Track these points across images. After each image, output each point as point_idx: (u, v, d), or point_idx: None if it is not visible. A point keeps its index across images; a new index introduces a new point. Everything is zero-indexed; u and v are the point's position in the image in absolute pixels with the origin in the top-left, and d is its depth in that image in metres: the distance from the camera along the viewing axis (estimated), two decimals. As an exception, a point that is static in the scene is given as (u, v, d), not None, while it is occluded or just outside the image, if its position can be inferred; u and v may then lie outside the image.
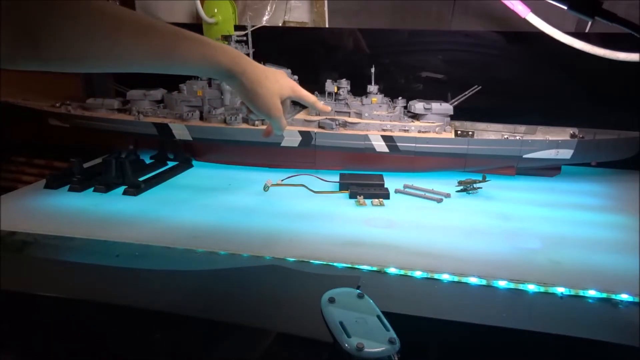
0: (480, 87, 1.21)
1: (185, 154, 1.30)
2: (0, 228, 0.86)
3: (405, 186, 1.11)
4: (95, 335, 0.67)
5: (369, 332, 0.55)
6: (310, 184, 1.10)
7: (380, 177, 1.10)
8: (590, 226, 0.92)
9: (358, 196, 1.04)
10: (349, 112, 1.27)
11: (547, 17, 1.14)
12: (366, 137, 1.20)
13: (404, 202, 1.04)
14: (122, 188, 1.07)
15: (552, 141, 1.15)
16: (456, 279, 0.71)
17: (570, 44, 1.12)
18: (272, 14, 1.45)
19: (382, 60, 1.37)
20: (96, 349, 0.67)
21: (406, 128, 1.22)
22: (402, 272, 0.73)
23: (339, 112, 1.28)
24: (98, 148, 1.37)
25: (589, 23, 1.17)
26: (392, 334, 0.55)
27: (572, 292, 0.68)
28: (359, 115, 1.26)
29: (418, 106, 1.24)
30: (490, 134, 1.25)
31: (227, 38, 1.29)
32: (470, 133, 1.22)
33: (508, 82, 1.33)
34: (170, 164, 1.28)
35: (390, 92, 1.28)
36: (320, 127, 1.23)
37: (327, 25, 1.42)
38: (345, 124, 1.24)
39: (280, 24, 1.45)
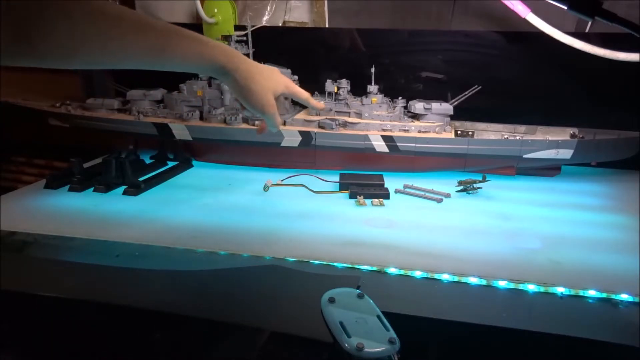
0: (480, 87, 1.21)
1: (185, 154, 1.30)
2: (0, 228, 0.86)
3: (405, 186, 1.11)
4: (95, 335, 0.67)
5: (369, 332, 0.55)
6: (310, 184, 1.10)
7: (380, 177, 1.10)
8: (590, 226, 0.92)
9: (358, 196, 1.04)
10: (349, 112, 1.27)
11: (547, 17, 1.14)
12: (366, 137, 1.20)
13: (404, 202, 1.04)
14: (122, 188, 1.07)
15: (552, 141, 1.15)
16: (456, 279, 0.71)
17: (570, 44, 1.12)
18: (272, 14, 1.45)
19: (382, 60, 1.37)
20: (96, 349, 0.67)
21: (406, 128, 1.22)
22: (402, 272, 0.73)
23: (339, 112, 1.28)
24: (98, 148, 1.37)
25: (589, 23, 1.17)
26: (392, 334, 0.55)
27: (572, 292, 0.68)
28: (359, 115, 1.26)
29: (418, 106, 1.24)
30: (490, 134, 1.26)
31: (227, 38, 1.29)
32: (470, 133, 1.22)
33: (508, 82, 1.33)
34: (170, 164, 1.28)
35: (390, 92, 1.28)
36: (320, 127, 1.23)
37: (327, 25, 1.42)
38: (345, 124, 1.24)
39: (280, 24, 1.45)
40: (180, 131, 1.28)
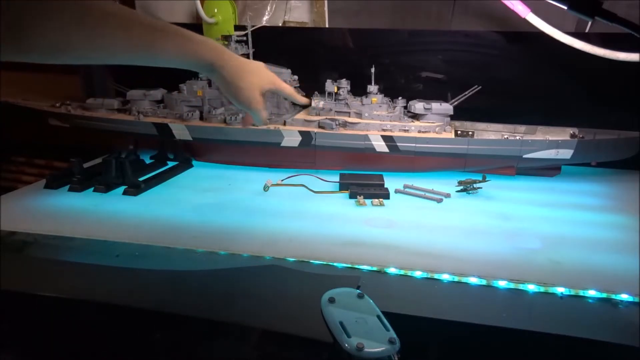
0: (480, 87, 1.21)
1: (185, 154, 1.30)
2: (0, 228, 0.86)
3: (405, 186, 1.11)
4: (95, 335, 0.67)
5: (369, 332, 0.55)
6: (310, 184, 1.10)
7: (380, 177, 1.10)
8: (590, 226, 0.92)
9: (358, 196, 1.04)
10: (349, 112, 1.27)
11: (547, 17, 1.14)
12: (366, 137, 1.20)
13: (404, 202, 1.04)
14: (122, 188, 1.07)
15: (552, 141, 1.15)
16: (456, 279, 0.71)
17: (570, 44, 1.12)
18: (272, 14, 1.45)
19: (382, 60, 1.37)
20: (96, 349, 0.67)
21: (406, 128, 1.22)
22: (402, 272, 0.73)
23: (339, 112, 1.28)
24: (98, 148, 1.37)
25: (589, 23, 1.17)
26: (392, 334, 0.55)
27: (572, 292, 0.68)
28: (359, 115, 1.26)
29: (418, 106, 1.24)
30: (490, 134, 1.26)
31: (227, 38, 1.29)
32: (470, 133, 1.22)
33: (508, 82, 1.33)
34: (170, 164, 1.28)
35: (390, 92, 1.28)
36: (320, 127, 1.23)
37: (327, 25, 1.42)
38: (345, 124, 1.24)
39: (280, 24, 1.45)
40: (180, 131, 1.28)
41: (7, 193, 1.06)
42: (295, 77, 1.30)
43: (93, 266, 0.74)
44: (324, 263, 0.76)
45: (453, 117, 1.26)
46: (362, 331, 0.55)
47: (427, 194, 1.07)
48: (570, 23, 1.22)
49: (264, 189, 1.09)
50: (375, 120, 1.23)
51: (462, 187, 1.08)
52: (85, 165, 1.18)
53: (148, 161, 1.29)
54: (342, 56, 1.42)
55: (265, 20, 1.45)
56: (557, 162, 1.18)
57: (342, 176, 1.11)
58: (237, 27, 1.39)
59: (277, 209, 0.98)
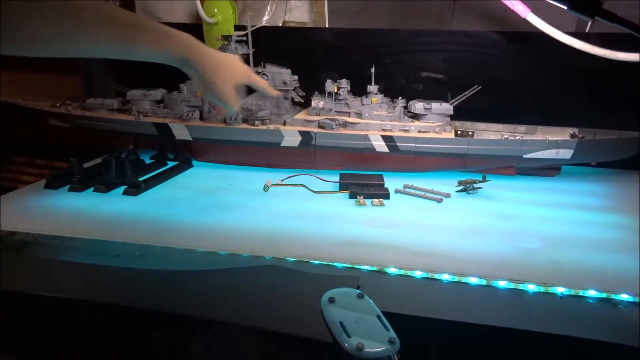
0: (480, 87, 1.21)
1: (185, 154, 1.30)
2: (0, 228, 0.86)
3: (405, 186, 1.11)
4: (95, 335, 0.67)
5: (369, 332, 0.55)
6: (310, 184, 1.10)
7: (380, 177, 1.10)
8: (590, 226, 0.92)
9: (358, 196, 1.04)
10: (349, 112, 1.27)
11: (547, 17, 1.14)
12: (366, 137, 1.20)
13: (404, 202, 1.04)
14: (122, 188, 1.07)
15: (552, 141, 1.15)
16: (456, 279, 0.71)
17: (570, 44, 1.12)
18: (272, 14, 1.45)
19: (382, 60, 1.37)
20: (96, 349, 0.67)
21: (406, 128, 1.22)
22: (402, 272, 0.73)
23: (339, 112, 1.28)
24: (98, 148, 1.37)
25: (589, 23, 1.17)
26: (392, 334, 0.55)
27: (572, 292, 0.68)
28: (359, 115, 1.26)
29: (418, 106, 1.24)
30: (490, 134, 1.25)
31: (227, 38, 1.29)
32: (470, 133, 1.22)
33: (508, 82, 1.33)
34: (170, 164, 1.28)
35: (390, 92, 1.28)
36: (320, 127, 1.23)
37: (327, 25, 1.42)
38: (345, 124, 1.24)
39: (280, 24, 1.45)
40: (180, 131, 1.28)
41: (7, 193, 1.06)
42: (295, 77, 1.30)
43: (93, 266, 0.74)
44: (324, 263, 0.76)
45: (453, 117, 1.26)
46: (362, 331, 0.55)
47: (427, 194, 1.07)
48: (570, 23, 1.22)
49: (264, 189, 1.09)
50: (375, 120, 1.23)
51: (462, 187, 1.08)
52: (85, 165, 1.18)
53: (148, 161, 1.29)
54: (342, 56, 1.42)
55: (265, 20, 1.45)
56: (557, 162, 1.18)
57: (342, 176, 1.11)
58: (237, 27, 1.38)
59: (277, 209, 0.98)
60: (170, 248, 0.80)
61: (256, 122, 1.25)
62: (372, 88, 1.25)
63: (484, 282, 0.70)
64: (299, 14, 1.45)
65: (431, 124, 1.23)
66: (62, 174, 1.13)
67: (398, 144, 1.19)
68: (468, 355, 0.63)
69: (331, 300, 0.61)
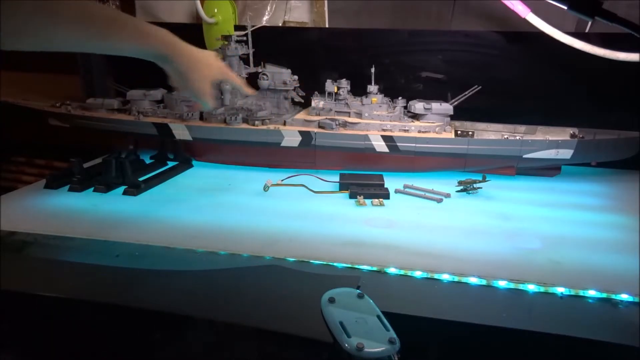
0: (480, 87, 1.21)
1: (185, 154, 1.30)
2: (0, 228, 0.86)
3: (405, 186, 1.11)
4: (95, 335, 0.67)
5: (369, 332, 0.55)
6: (310, 184, 1.10)
7: (380, 177, 1.10)
8: (590, 226, 0.92)
9: (358, 196, 1.04)
10: (349, 112, 1.27)
11: (547, 17, 1.14)
12: (366, 137, 1.20)
13: (404, 202, 1.04)
14: (122, 188, 1.07)
15: (552, 141, 1.15)
16: (456, 279, 0.71)
17: (570, 44, 1.12)
18: (272, 14, 1.45)
19: (382, 60, 1.37)
20: (96, 349, 0.67)
21: (406, 128, 1.22)
22: (402, 272, 0.73)
23: (339, 112, 1.28)
24: (98, 148, 1.37)
25: (589, 23, 1.17)
26: (392, 334, 0.55)
27: (572, 292, 0.68)
28: (359, 115, 1.26)
29: (418, 106, 1.24)
30: (490, 134, 1.25)
31: (227, 38, 1.29)
32: (470, 133, 1.22)
33: (508, 82, 1.33)
34: (170, 164, 1.28)
35: (390, 92, 1.28)
36: (320, 127, 1.23)
37: (327, 25, 1.42)
38: (345, 124, 1.24)
39: (280, 24, 1.45)
40: (180, 131, 1.28)
41: (7, 193, 1.06)
42: (295, 77, 1.30)
43: (93, 266, 0.74)
44: (324, 263, 0.76)
45: (453, 117, 1.26)
46: (362, 331, 0.55)
47: (427, 194, 1.07)
48: (570, 23, 1.22)
49: (264, 189, 1.09)
50: (375, 120, 1.23)
51: (462, 187, 1.08)
52: (85, 165, 1.18)
53: (148, 161, 1.29)
54: (342, 56, 1.42)
55: (265, 20, 1.45)
56: (557, 162, 1.18)
57: (342, 176, 1.11)
58: (237, 27, 1.38)
59: (277, 209, 0.98)
60: (170, 248, 0.80)
61: (256, 122, 1.25)
62: (372, 88, 1.25)
63: (484, 282, 0.70)
64: (299, 14, 1.45)
65: (431, 124, 1.23)
66: (62, 174, 1.13)
67: (398, 144, 1.19)
68: (468, 355, 0.63)
69: (331, 300, 0.61)
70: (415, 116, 1.26)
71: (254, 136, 1.24)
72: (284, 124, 1.27)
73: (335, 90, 1.27)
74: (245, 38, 1.30)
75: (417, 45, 1.38)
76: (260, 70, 1.28)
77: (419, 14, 1.36)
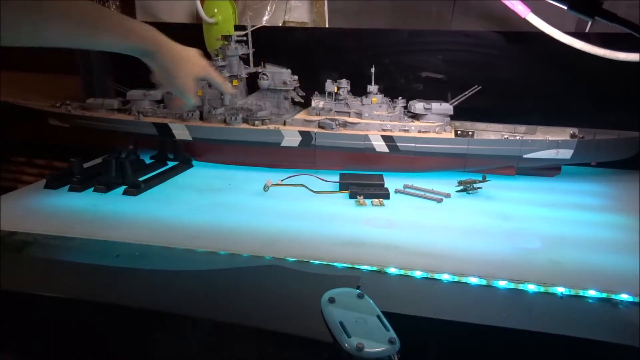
0: (480, 87, 1.21)
1: (185, 154, 1.30)
2: (0, 228, 0.86)
3: (405, 186, 1.11)
4: (95, 335, 0.67)
5: (369, 332, 0.55)
6: (310, 184, 1.10)
7: (380, 177, 1.10)
8: (590, 226, 0.92)
9: (358, 196, 1.04)
10: (349, 112, 1.27)
11: (547, 17, 1.14)
12: (366, 137, 1.20)
13: (404, 202, 1.04)
14: (122, 188, 1.07)
15: (552, 141, 1.15)
16: (456, 279, 0.71)
17: (570, 44, 1.12)
18: (272, 14, 1.45)
19: (382, 60, 1.37)
20: (96, 349, 0.67)
21: (406, 128, 1.22)
22: (402, 272, 0.73)
23: (339, 112, 1.28)
24: (98, 148, 1.37)
25: (589, 23, 1.17)
26: (392, 334, 0.55)
27: (572, 292, 0.68)
28: (359, 115, 1.26)
29: (418, 106, 1.24)
30: (490, 134, 1.25)
31: (227, 38, 1.29)
32: (470, 133, 1.22)
33: (508, 82, 1.33)
34: (170, 164, 1.28)
35: (390, 92, 1.28)
36: (320, 127, 1.23)
37: (327, 25, 1.42)
38: (345, 124, 1.24)
39: (280, 24, 1.45)
40: (180, 131, 1.28)
41: (7, 193, 1.06)
42: (295, 77, 1.30)
43: (93, 266, 0.74)
44: (324, 263, 0.76)
45: (453, 117, 1.26)
46: (362, 331, 0.55)
47: (427, 194, 1.07)
48: (570, 23, 1.22)
49: (264, 189, 1.09)
50: (375, 120, 1.23)
51: (462, 187, 1.08)
52: (85, 165, 1.18)
53: (148, 161, 1.29)
54: (342, 56, 1.42)
55: (265, 20, 1.45)
56: (557, 162, 1.18)
57: (342, 176, 1.11)
58: (237, 27, 1.39)
59: (277, 209, 0.98)
60: (170, 248, 0.80)
61: (256, 122, 1.25)
62: (372, 88, 1.25)
63: (484, 282, 0.70)
64: (299, 14, 1.45)
65: (431, 124, 1.23)
66: (62, 174, 1.13)
67: (398, 144, 1.19)
68: (468, 355, 0.63)
69: (331, 300, 0.61)
70: (415, 116, 1.26)
71: (254, 136, 1.24)
72: (284, 124, 1.27)
73: (335, 90, 1.27)
74: (245, 38, 1.30)
75: (417, 45, 1.38)
76: (260, 70, 1.28)
77: (419, 14, 1.36)
